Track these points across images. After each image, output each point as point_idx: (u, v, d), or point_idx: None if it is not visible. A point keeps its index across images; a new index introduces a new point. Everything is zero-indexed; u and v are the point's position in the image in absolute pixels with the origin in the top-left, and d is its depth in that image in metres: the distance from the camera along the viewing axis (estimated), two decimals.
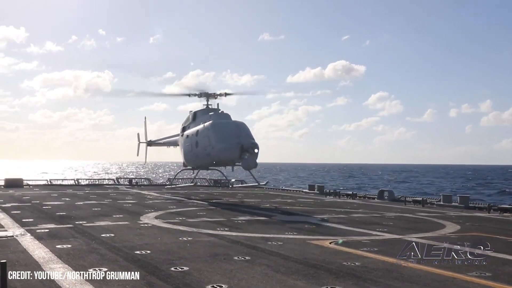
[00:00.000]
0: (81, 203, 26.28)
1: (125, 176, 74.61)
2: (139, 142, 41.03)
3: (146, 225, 17.64)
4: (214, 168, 32.87)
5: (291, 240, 14.60)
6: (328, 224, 19.03)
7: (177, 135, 35.82)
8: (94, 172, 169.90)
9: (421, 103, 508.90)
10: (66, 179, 50.81)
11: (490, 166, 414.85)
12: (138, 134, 41.58)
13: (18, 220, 18.32)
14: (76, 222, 17.82)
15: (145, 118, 41.15)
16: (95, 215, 20.52)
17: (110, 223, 17.93)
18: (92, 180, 50.70)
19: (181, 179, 46.38)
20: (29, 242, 13.36)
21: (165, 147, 38.59)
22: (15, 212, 21.18)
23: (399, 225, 19.11)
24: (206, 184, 49.46)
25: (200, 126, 29.81)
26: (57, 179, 49.91)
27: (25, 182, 42.28)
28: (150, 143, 40.41)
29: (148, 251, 12.27)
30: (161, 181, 63.53)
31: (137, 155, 41.58)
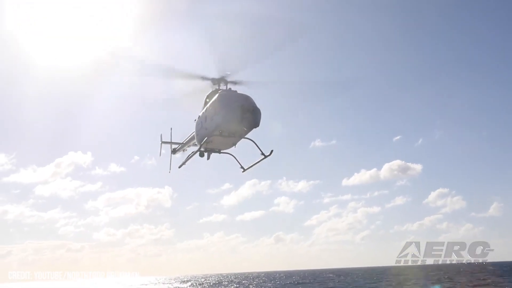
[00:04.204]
0: None
1: None
2: (162, 142, 38.38)
3: None
4: (225, 151, 31.09)
5: None
6: None
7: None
8: (156, 283, 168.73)
9: (485, 196, 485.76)
10: None
11: None
12: (161, 135, 38.77)
13: None
14: None
15: (171, 129, 38.59)
16: None
17: None
18: None
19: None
20: None
21: (188, 148, 36.30)
22: None
23: None
24: None
25: (209, 103, 29.88)
26: None
27: None
28: (174, 151, 37.75)
29: None
30: None
31: (159, 155, 39.03)
